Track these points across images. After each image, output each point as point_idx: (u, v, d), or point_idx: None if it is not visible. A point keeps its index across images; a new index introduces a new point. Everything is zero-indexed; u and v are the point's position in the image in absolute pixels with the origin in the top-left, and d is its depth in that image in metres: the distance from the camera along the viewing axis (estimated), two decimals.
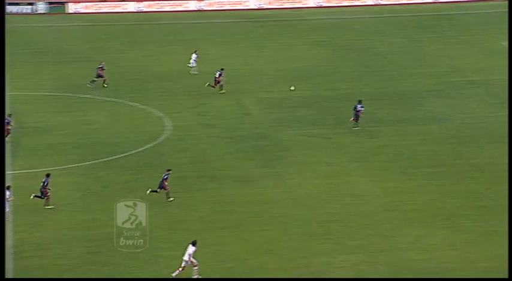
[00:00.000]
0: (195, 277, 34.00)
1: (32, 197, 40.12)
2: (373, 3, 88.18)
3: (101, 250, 36.24)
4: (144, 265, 35.16)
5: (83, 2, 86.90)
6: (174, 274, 33.98)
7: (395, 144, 48.93)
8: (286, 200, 41.54)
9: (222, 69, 58.81)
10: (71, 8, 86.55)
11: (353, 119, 51.25)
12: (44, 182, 40.03)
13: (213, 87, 58.48)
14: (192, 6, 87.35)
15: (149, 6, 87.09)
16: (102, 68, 59.81)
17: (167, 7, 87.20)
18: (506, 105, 55.67)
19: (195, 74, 62.93)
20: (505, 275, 34.09)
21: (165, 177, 40.84)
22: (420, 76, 62.59)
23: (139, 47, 72.68)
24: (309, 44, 72.97)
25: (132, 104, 57.06)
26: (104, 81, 59.76)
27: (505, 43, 71.52)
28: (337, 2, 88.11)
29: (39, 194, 40.05)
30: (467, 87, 59.50)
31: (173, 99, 58.14)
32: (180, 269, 33.97)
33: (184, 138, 50.40)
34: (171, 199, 40.80)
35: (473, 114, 54.02)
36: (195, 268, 33.93)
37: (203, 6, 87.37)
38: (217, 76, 58.45)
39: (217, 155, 47.69)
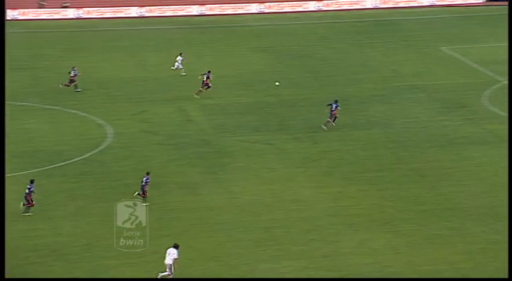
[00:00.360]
0: (160, 276, 33.98)
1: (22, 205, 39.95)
2: (315, 9, 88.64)
3: (41, 261, 35.64)
4: (87, 274, 34.67)
5: (20, 8, 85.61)
6: (160, 275, 34.03)
7: (338, 149, 49.15)
8: (230, 207, 41.42)
9: (209, 72, 59.09)
10: (9, 14, 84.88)
11: (330, 119, 51.87)
12: (29, 188, 39.69)
13: (200, 91, 58.73)
14: (133, 12, 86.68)
15: (89, 12, 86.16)
16: (75, 74, 59.68)
17: (108, 13, 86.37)
18: (447, 110, 56.46)
19: (184, 75, 63.41)
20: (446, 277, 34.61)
21: (147, 181, 40.91)
22: (363, 81, 63.03)
23: (79, 53, 71.88)
24: (251, 50, 73.00)
25: (73, 111, 56.37)
26: (67, 85, 59.61)
27: (445, 48, 72.61)
28: (279, 8, 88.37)
29: (25, 201, 39.72)
30: (409, 92, 60.08)
31: (114, 106, 57.60)
32: (168, 273, 33.95)
33: (126, 146, 49.93)
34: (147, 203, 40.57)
35: (414, 119, 54.55)
36: (167, 273, 33.95)
37: (144, 12, 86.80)
38: (205, 79, 58.71)
39: (161, 162, 47.35)
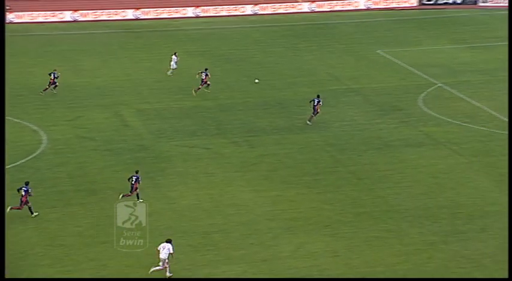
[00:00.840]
0: (152, 271, 34.36)
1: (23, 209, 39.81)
2: (252, 13, 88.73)
3: None
4: None
5: None
6: (152, 269, 34.39)
7: (276, 153, 49.14)
8: (169, 212, 41.04)
9: (206, 69, 60.43)
10: None
11: (313, 115, 53.42)
12: (24, 191, 39.58)
13: (199, 88, 59.81)
14: (67, 16, 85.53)
15: (20, 17, 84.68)
16: (55, 76, 59.72)
17: (40, 18, 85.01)
18: (383, 112, 56.93)
19: (170, 76, 64.76)
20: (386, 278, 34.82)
21: (135, 179, 41.24)
22: (299, 85, 63.22)
23: (11, 59, 70.35)
24: (187, 54, 72.61)
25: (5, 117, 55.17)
26: (55, 87, 59.83)
27: (381, 51, 73.31)
28: (216, 12, 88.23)
29: (19, 204, 39.65)
30: (345, 96, 60.40)
31: (49, 112, 56.68)
32: (162, 267, 34.32)
33: (61, 152, 49.14)
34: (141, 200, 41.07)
35: (351, 122, 54.86)
36: (159, 267, 34.25)
37: (78, 16, 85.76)
38: (203, 77, 59.88)
39: (97, 168, 46.72)
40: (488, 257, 36.61)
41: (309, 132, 52.70)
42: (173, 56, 65.58)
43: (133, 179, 41.44)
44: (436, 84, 63.29)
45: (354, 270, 35.53)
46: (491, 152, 49.18)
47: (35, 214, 39.98)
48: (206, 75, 60.01)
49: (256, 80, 62.47)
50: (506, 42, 76.09)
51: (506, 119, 54.78)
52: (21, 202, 39.77)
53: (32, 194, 39.98)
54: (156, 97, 60.20)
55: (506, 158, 48.10)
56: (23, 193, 39.77)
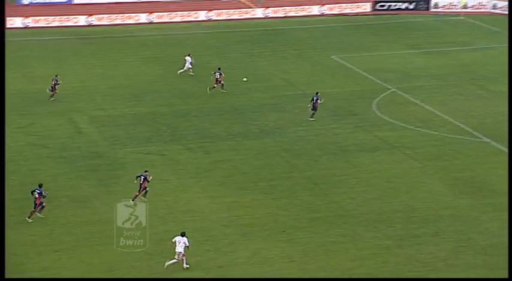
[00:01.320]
0: (167, 265, 35.01)
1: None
2: (206, 19, 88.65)
3: None
4: None
5: None
6: (167, 263, 35.03)
7: (231, 159, 49.07)
8: None
9: (219, 69, 61.98)
10: None
11: (312, 109, 55.81)
12: (38, 193, 39.75)
13: (214, 87, 61.33)
14: (18, 22, 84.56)
15: None
16: (56, 82, 59.54)
17: None
18: (337, 117, 57.17)
19: (192, 75, 65.72)
20: None
21: (143, 178, 41.92)
22: (255, 91, 63.27)
23: None
24: (141, 60, 72.35)
25: None
26: (53, 95, 59.48)
27: (336, 57, 73.71)
28: (169, 17, 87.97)
29: (34, 206, 39.97)
30: (301, 101, 60.48)
31: None
32: (178, 260, 34.96)
33: (13, 160, 48.44)
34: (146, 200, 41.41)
35: (306, 127, 55.01)
36: (174, 261, 34.88)
37: (30, 23, 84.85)
38: (218, 77, 61.40)
39: (50, 175, 46.18)
40: (442, 261, 36.94)
41: (264, 138, 52.74)
42: (187, 57, 66.51)
43: (142, 178, 42.05)
44: (389, 89, 63.79)
45: (310, 275, 35.58)
46: (444, 156, 49.68)
47: (41, 215, 40.33)
48: (220, 74, 61.37)
49: (245, 79, 63.59)
50: (458, 48, 77.40)
51: (459, 123, 55.50)
52: (35, 204, 39.96)
53: (45, 195, 40.18)
54: (109, 104, 59.78)
55: (459, 162, 48.77)
56: (37, 196, 39.97)
